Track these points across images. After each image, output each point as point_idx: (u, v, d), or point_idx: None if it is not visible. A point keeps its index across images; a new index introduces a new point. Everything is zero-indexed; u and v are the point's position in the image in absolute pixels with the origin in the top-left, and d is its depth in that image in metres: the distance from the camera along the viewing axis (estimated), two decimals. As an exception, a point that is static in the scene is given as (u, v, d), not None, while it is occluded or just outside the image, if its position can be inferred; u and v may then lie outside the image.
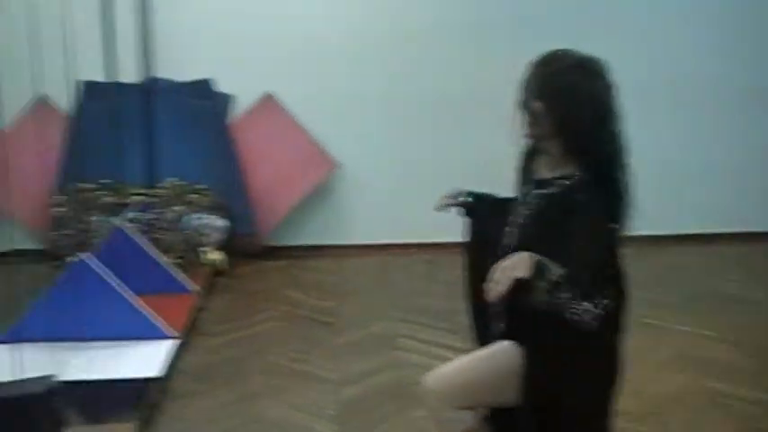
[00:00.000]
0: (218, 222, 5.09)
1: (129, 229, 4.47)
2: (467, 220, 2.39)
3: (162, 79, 5.10)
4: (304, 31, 5.30)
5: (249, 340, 4.09)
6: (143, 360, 3.54)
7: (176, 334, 3.82)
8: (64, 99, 4.89)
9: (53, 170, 5.02)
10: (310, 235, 5.57)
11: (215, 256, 5.01)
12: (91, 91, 4.97)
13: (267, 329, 4.26)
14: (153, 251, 4.46)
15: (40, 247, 5.08)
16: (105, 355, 3.61)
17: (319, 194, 5.52)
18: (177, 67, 5.14)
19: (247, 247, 5.29)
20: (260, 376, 3.66)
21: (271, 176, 5.32)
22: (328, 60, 5.36)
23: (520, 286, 1.79)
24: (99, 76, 4.71)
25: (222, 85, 5.21)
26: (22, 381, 2.78)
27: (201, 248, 4.99)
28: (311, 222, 5.56)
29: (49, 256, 4.90)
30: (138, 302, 3.82)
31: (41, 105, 4.92)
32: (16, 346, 3.21)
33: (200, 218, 5.03)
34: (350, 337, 4.12)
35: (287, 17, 5.30)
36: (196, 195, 5.06)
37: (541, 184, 2.12)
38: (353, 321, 4.34)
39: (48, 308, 3.67)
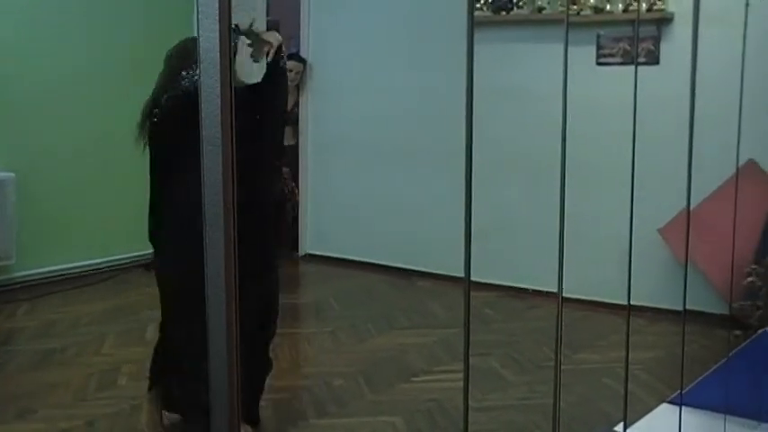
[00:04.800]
0: None
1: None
2: None
3: None
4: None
5: None
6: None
7: None
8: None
9: (756, 237, 4.54)
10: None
11: None
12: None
13: None
14: None
15: (723, 312, 4.63)
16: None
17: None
18: None
19: None
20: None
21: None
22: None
23: None
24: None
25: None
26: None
27: None
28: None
29: (732, 322, 4.44)
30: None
31: (751, 167, 4.62)
32: (685, 409, 3.07)
33: None
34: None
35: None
36: None
37: None
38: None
39: (723, 377, 3.37)
